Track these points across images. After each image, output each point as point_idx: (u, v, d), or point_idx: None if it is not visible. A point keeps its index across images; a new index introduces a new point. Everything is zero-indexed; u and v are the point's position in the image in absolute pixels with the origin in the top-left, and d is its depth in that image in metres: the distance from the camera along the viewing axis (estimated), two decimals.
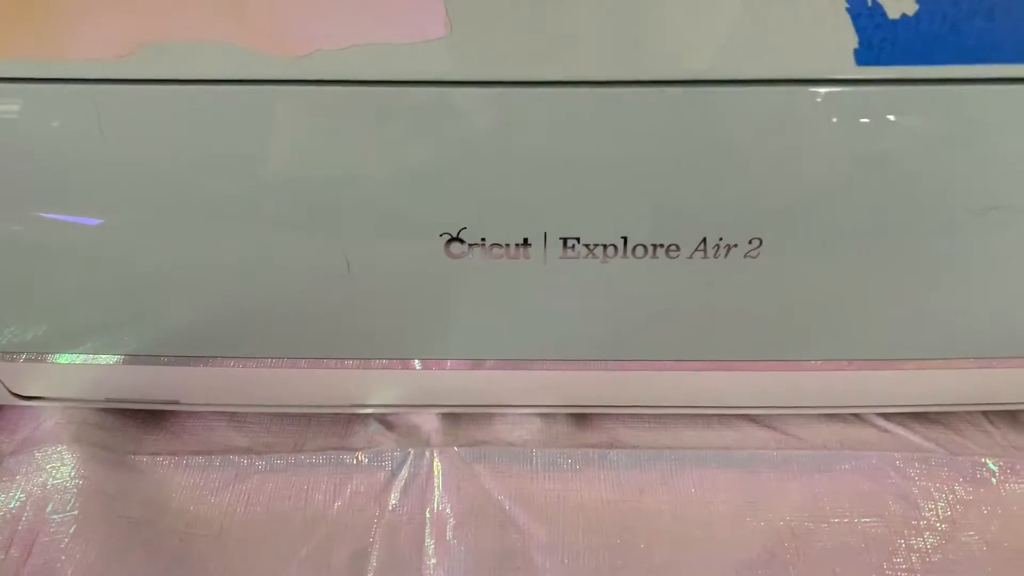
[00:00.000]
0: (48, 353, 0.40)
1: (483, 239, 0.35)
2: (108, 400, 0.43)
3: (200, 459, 0.41)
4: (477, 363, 0.40)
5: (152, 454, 0.42)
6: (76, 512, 0.38)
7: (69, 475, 0.39)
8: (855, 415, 0.45)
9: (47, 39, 0.32)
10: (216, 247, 0.36)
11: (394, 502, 0.40)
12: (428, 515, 0.39)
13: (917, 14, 0.32)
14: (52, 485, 0.39)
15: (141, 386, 0.43)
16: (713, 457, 0.41)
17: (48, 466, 0.40)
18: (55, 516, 0.38)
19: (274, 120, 0.33)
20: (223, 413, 0.45)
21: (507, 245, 0.36)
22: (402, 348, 0.40)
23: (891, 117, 0.33)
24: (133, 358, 0.40)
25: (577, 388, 0.42)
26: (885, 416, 0.45)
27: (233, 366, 0.40)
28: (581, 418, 0.45)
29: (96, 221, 0.35)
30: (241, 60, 0.32)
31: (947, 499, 0.40)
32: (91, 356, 0.40)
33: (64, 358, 0.40)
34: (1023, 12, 0.32)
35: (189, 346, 0.40)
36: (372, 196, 0.34)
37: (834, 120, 0.33)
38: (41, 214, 0.35)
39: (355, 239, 0.36)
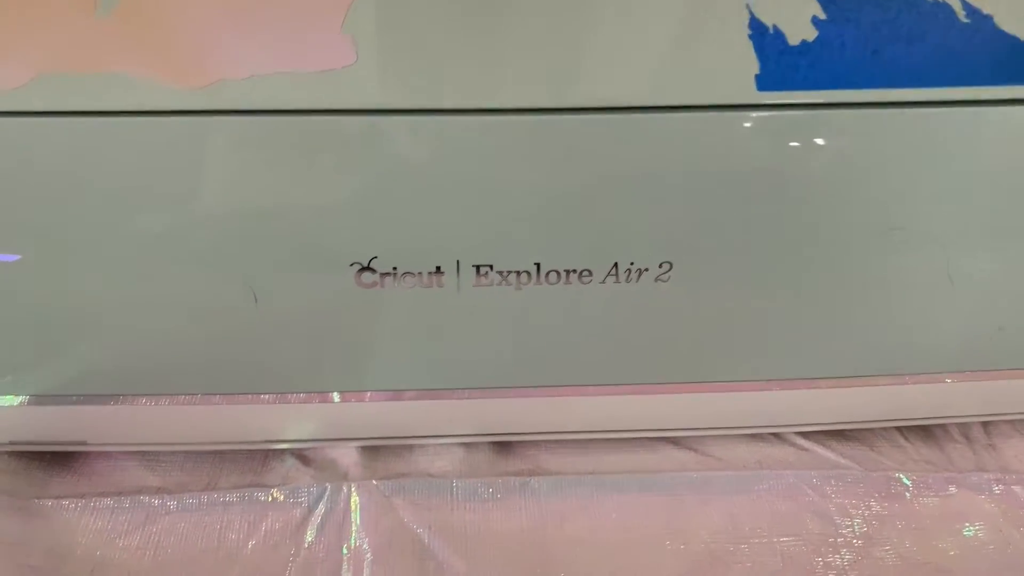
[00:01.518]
0: None
1: (395, 268, 0.35)
2: (12, 443, 0.41)
3: (108, 501, 0.40)
4: (396, 394, 0.40)
5: (57, 497, 0.40)
6: None
7: None
8: (774, 434, 0.45)
9: None
10: (119, 282, 0.35)
11: (310, 539, 0.39)
12: (345, 551, 0.38)
13: (817, 39, 0.33)
14: None
15: (47, 427, 0.41)
16: (633, 481, 0.41)
17: None
18: None
19: (175, 153, 0.32)
20: (134, 452, 0.43)
21: (419, 274, 0.35)
22: (318, 381, 0.39)
23: (792, 142, 0.34)
24: (38, 398, 0.39)
25: (497, 416, 0.42)
26: (803, 434, 0.45)
27: (144, 403, 0.39)
28: (503, 446, 0.44)
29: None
30: (141, 91, 0.31)
31: (863, 515, 0.41)
32: None
33: None
34: (917, 38, 0.33)
35: (97, 384, 0.39)
36: (278, 227, 0.34)
37: (737, 145, 0.34)
38: None
39: (261, 271, 0.35)
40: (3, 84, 0.31)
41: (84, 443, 0.42)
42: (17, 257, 0.34)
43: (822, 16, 0.34)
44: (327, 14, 0.33)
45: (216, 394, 0.39)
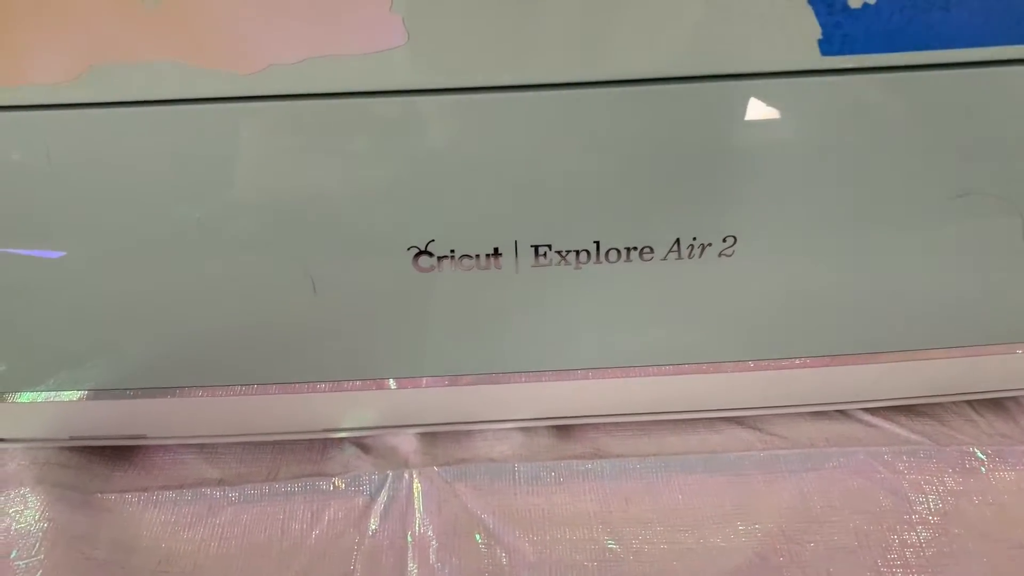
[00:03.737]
0: (8, 392, 0.39)
1: (452, 251, 0.34)
2: (73, 438, 0.41)
3: (171, 494, 0.40)
4: (454, 379, 0.39)
5: (120, 491, 0.40)
6: (42, 556, 0.36)
7: (34, 519, 0.38)
8: (840, 411, 0.44)
9: None
10: (177, 273, 0.34)
11: (374, 527, 0.38)
12: (410, 539, 0.38)
13: (878, 3, 0.32)
14: (16, 530, 0.37)
15: (107, 422, 0.41)
16: (699, 462, 0.41)
17: (11, 510, 0.38)
18: (20, 562, 0.36)
19: (229, 139, 0.32)
20: (193, 445, 0.43)
21: (477, 256, 0.35)
22: (376, 368, 0.39)
23: (859, 106, 0.32)
24: (97, 393, 0.39)
25: (557, 399, 0.41)
26: (870, 411, 0.44)
27: (201, 396, 0.39)
28: (563, 429, 0.44)
29: (52, 253, 0.34)
30: (192, 79, 0.30)
31: (938, 491, 0.39)
32: (53, 393, 0.39)
33: (25, 397, 0.39)
34: None
35: (155, 377, 0.39)
36: (335, 212, 0.33)
37: (802, 112, 0.32)
38: None
39: (319, 258, 0.34)
40: (56, 78, 0.31)
41: (143, 436, 0.42)
42: (72, 251, 0.34)
43: None
44: None
45: (273, 384, 0.39)
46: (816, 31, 0.31)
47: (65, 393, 0.39)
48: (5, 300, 0.35)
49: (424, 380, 0.39)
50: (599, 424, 0.44)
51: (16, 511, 0.38)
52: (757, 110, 0.32)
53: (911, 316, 0.39)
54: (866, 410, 0.44)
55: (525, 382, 0.39)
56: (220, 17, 0.31)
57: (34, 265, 0.34)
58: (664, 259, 0.35)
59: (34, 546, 0.37)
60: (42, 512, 0.38)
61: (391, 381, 0.39)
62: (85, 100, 0.31)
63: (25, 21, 0.31)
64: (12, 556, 0.37)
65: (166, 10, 0.31)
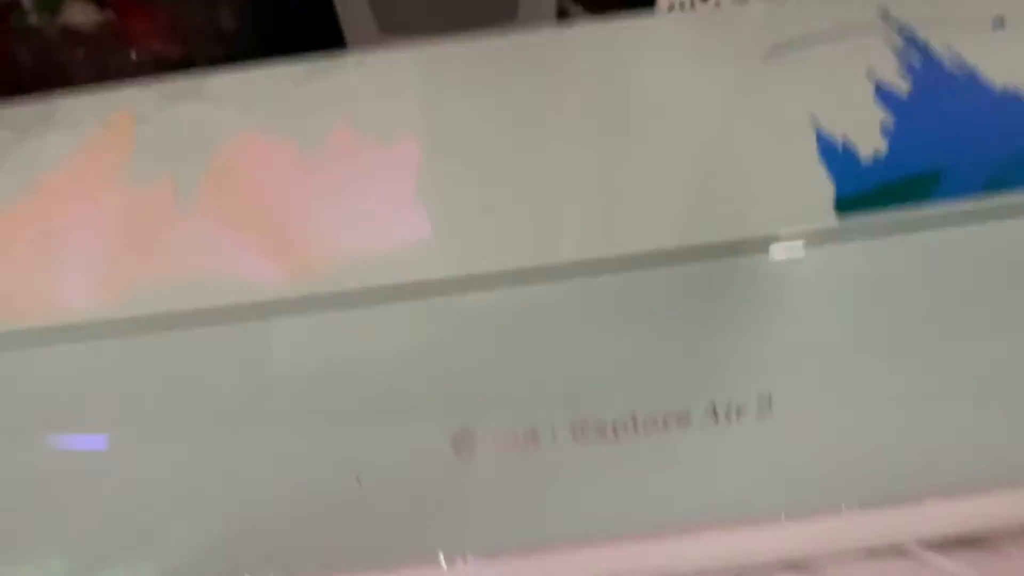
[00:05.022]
0: None
1: (491, 432, 0.35)
2: None
3: None
4: (499, 552, 0.39)
5: None
6: None
7: None
8: (895, 547, 0.43)
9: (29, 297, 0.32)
10: (220, 470, 0.35)
11: None
12: None
13: (888, 153, 0.33)
14: None
15: None
16: None
17: None
18: None
19: (273, 343, 0.33)
20: None
21: (515, 436, 0.35)
22: (418, 549, 0.39)
23: (877, 263, 0.33)
24: None
25: (610, 563, 0.40)
26: (925, 544, 0.43)
27: None
28: None
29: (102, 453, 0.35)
30: (232, 287, 0.32)
31: None
32: None
33: None
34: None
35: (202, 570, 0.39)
36: (378, 405, 0.34)
37: (823, 272, 0.33)
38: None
39: (362, 448, 0.35)
40: (100, 306, 0.32)
41: None
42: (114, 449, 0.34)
43: (890, 122, 0.34)
44: (398, 189, 0.33)
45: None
46: (830, 188, 0.32)
47: None
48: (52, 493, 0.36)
49: (470, 557, 0.39)
50: None
51: None
52: (777, 275, 0.33)
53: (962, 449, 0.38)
54: (921, 544, 0.43)
55: (574, 549, 0.39)
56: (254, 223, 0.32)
57: (83, 471, 0.35)
58: (701, 423, 0.35)
59: None
60: None
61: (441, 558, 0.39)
62: (131, 315, 0.32)
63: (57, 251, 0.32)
64: None
65: (198, 221, 0.33)
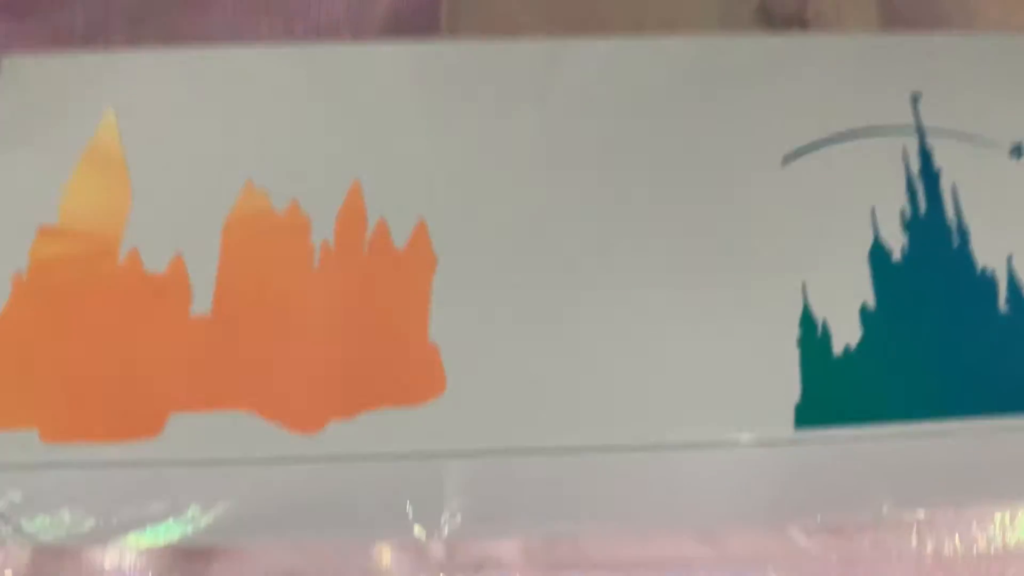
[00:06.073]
0: None
1: None
2: None
3: None
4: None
5: None
6: None
7: None
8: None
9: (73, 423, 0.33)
10: None
11: None
12: None
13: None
14: None
15: None
16: None
17: None
18: None
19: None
20: None
21: None
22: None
23: (832, 475, 0.34)
24: None
25: None
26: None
27: None
28: None
29: None
30: (265, 435, 0.33)
31: None
32: None
33: None
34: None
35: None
36: None
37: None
38: None
39: None
40: (137, 433, 0.33)
41: None
42: None
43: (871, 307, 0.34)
44: (412, 344, 0.34)
45: None
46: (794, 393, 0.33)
47: None
48: None
49: None
50: None
51: None
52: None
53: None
54: None
55: None
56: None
57: None
58: None
59: None
60: None
61: None
62: (166, 455, 0.33)
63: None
64: None
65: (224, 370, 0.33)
